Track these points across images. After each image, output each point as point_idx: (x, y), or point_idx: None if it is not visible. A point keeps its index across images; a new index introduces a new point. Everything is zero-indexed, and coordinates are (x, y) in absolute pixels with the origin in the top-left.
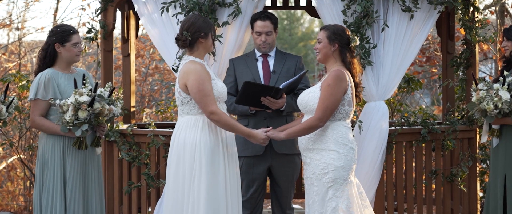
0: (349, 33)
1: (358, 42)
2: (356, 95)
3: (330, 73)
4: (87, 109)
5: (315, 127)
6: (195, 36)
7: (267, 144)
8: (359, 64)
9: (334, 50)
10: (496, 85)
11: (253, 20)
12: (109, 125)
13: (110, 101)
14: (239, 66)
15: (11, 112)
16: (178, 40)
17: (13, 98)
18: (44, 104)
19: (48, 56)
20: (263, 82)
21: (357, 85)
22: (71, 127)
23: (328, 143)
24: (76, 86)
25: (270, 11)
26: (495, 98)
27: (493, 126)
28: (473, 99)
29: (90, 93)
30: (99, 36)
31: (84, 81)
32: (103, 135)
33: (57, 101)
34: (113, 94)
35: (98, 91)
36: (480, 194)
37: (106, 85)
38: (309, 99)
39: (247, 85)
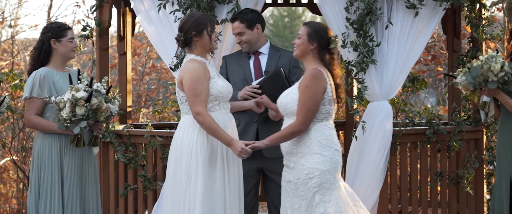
0: (332, 34)
1: (339, 45)
2: (338, 96)
3: (306, 72)
4: (85, 104)
5: (298, 132)
6: (187, 35)
7: (245, 157)
8: (339, 66)
9: (313, 49)
10: (493, 53)
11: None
12: (105, 124)
13: (107, 99)
14: (231, 64)
15: (3, 111)
16: (176, 41)
17: (5, 98)
18: (40, 103)
19: (43, 53)
20: (254, 80)
21: (338, 86)
22: (68, 124)
23: (312, 146)
24: (71, 83)
25: (249, 8)
26: (499, 57)
27: (485, 99)
28: (475, 64)
29: (86, 89)
30: (94, 34)
31: (79, 77)
32: (101, 134)
33: (53, 98)
34: (109, 92)
35: (94, 86)
36: (487, 196)
37: (103, 80)
38: (288, 101)
39: (278, 73)
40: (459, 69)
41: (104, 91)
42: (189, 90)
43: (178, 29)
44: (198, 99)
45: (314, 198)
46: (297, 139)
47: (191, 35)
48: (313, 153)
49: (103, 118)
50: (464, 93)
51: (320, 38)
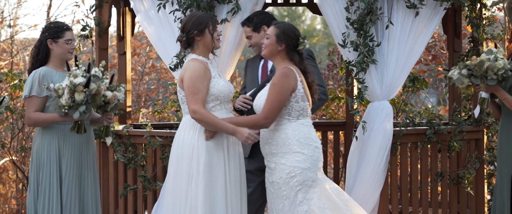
0: (300, 36)
1: (307, 46)
2: (312, 96)
3: (277, 71)
4: (84, 90)
5: (260, 126)
6: (189, 35)
7: (251, 143)
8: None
9: (281, 50)
10: (495, 50)
11: None
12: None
13: (112, 88)
14: (249, 67)
15: (2, 111)
16: (179, 41)
17: (4, 98)
18: (40, 101)
19: (41, 53)
20: (259, 83)
21: (311, 84)
22: (67, 110)
23: (291, 145)
24: (68, 69)
25: (259, 10)
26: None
27: (483, 95)
28: (479, 60)
29: (84, 74)
30: (94, 33)
31: (76, 63)
32: (111, 123)
33: (51, 85)
34: (113, 81)
35: (92, 71)
36: (487, 197)
37: (100, 64)
38: (261, 103)
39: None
40: (457, 66)
41: (107, 81)
42: (187, 88)
43: (180, 30)
44: (195, 97)
45: (297, 197)
46: (275, 139)
47: (193, 35)
48: (293, 152)
49: (109, 108)
50: (458, 87)
51: (289, 40)
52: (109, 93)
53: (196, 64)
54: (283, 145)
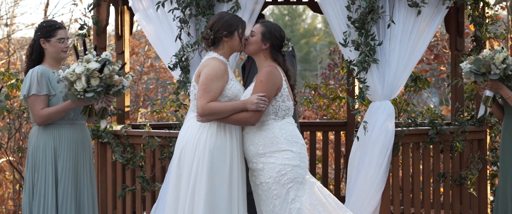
0: (285, 37)
1: (290, 49)
2: (294, 99)
3: (262, 69)
4: (99, 75)
5: (247, 123)
6: (218, 34)
7: (264, 107)
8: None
9: (265, 49)
10: (498, 48)
11: None
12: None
13: (121, 73)
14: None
15: (2, 100)
16: (203, 39)
17: (1, 88)
18: (43, 99)
19: (35, 52)
20: None
21: (293, 87)
22: (82, 96)
23: (279, 143)
24: (77, 56)
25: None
26: (503, 52)
27: (488, 93)
28: (478, 56)
29: (98, 59)
30: (91, 32)
31: (86, 47)
32: (110, 106)
33: (61, 71)
34: (123, 69)
35: (103, 55)
36: (490, 197)
37: (110, 49)
38: None
39: None
40: (467, 58)
41: (116, 67)
42: (201, 84)
43: (207, 27)
44: (206, 94)
45: (289, 194)
46: (262, 139)
47: (222, 35)
48: (282, 150)
49: (114, 91)
50: (465, 82)
51: (274, 40)
52: (116, 77)
53: (216, 64)
54: (271, 144)
